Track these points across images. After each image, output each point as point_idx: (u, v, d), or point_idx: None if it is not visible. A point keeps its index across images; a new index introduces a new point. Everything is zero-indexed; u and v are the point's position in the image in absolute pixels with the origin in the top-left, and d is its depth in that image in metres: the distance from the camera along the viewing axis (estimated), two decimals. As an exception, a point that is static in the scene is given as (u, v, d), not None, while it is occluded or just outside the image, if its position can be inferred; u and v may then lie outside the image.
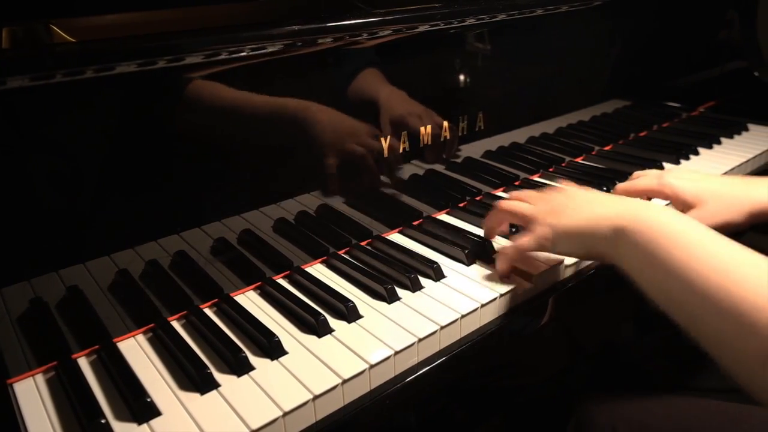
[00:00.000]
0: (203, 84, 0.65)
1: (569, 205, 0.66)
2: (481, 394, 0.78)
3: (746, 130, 1.27)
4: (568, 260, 0.74)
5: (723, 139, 1.20)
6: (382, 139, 0.82)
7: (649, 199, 0.88)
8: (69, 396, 0.56)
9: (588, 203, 0.65)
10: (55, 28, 0.60)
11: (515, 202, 0.73)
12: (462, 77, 0.91)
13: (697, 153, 1.14)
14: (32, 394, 0.57)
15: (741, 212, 0.74)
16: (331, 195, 0.80)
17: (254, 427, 0.51)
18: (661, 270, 0.53)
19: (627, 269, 0.58)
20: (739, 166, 1.08)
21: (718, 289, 0.47)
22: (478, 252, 0.78)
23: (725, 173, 1.05)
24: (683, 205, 0.77)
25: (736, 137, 1.23)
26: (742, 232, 0.76)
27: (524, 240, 0.68)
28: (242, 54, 0.66)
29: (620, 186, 0.83)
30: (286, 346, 0.61)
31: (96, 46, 0.57)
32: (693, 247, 0.51)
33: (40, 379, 0.59)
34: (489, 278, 0.72)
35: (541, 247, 0.67)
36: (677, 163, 1.10)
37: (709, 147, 1.17)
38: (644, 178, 0.83)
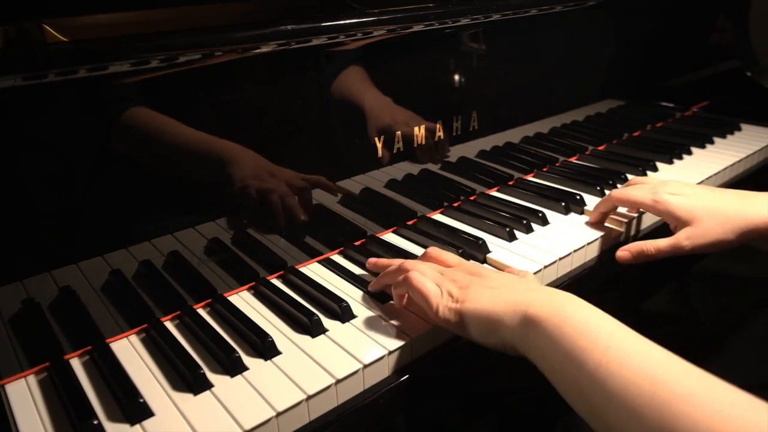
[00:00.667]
0: (196, 84, 0.65)
1: (482, 286, 0.60)
2: (473, 395, 0.78)
3: (739, 129, 1.27)
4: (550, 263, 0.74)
5: (716, 139, 1.21)
6: (376, 139, 0.82)
7: (641, 213, 0.88)
8: (61, 397, 0.56)
9: (503, 287, 0.59)
10: (47, 27, 0.60)
11: (416, 275, 0.62)
12: (456, 77, 0.92)
13: (690, 153, 1.15)
14: (24, 396, 0.57)
15: (734, 230, 0.74)
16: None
17: (247, 427, 0.51)
18: (577, 371, 0.47)
19: (538, 363, 0.52)
20: (731, 165, 1.08)
21: (645, 408, 0.42)
22: (470, 252, 0.78)
23: (718, 173, 1.05)
24: (676, 222, 0.77)
25: (729, 137, 1.23)
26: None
27: (425, 299, 0.60)
28: (235, 53, 0.66)
29: (615, 193, 0.83)
30: (279, 346, 0.61)
31: (89, 46, 0.57)
32: (616, 349, 0.46)
33: (32, 380, 0.59)
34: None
35: (437, 317, 0.60)
36: (670, 162, 1.11)
37: (702, 147, 1.17)
38: (639, 189, 0.82)
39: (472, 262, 0.69)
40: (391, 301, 0.68)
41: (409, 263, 0.66)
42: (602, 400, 0.45)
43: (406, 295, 0.64)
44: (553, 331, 0.50)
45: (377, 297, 0.69)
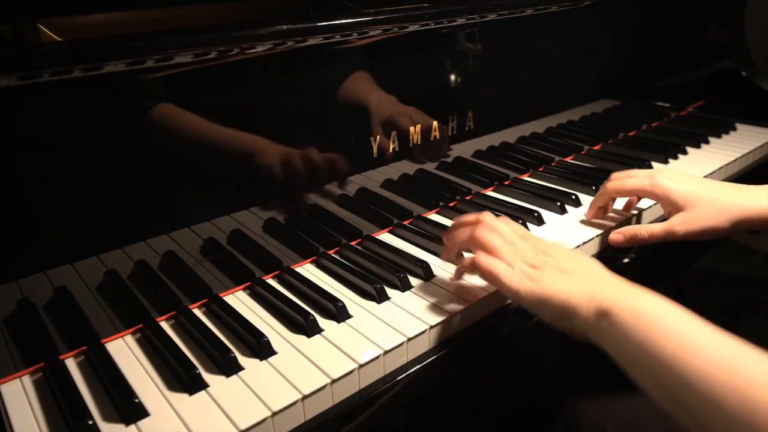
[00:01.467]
0: (191, 84, 0.65)
1: (554, 269, 0.60)
2: (471, 394, 0.78)
3: (734, 129, 1.28)
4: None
5: (711, 139, 1.21)
6: (371, 139, 0.82)
7: (639, 198, 0.89)
8: (56, 397, 0.56)
9: (576, 274, 0.59)
10: (42, 27, 0.60)
11: (492, 234, 0.65)
12: (452, 77, 0.92)
13: (685, 152, 1.15)
14: (19, 396, 0.57)
15: (728, 219, 0.74)
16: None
17: (243, 427, 0.51)
18: (653, 363, 0.49)
19: (612, 354, 0.54)
20: (727, 165, 1.09)
21: (726, 389, 0.43)
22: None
23: (713, 172, 1.06)
24: (672, 207, 0.78)
25: (724, 137, 1.24)
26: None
27: (502, 269, 0.61)
28: (232, 53, 0.66)
29: (610, 185, 0.83)
30: (275, 346, 0.61)
31: (83, 46, 0.57)
32: (691, 340, 0.48)
33: (27, 380, 0.59)
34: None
35: (510, 290, 0.61)
36: (666, 162, 1.11)
37: (698, 146, 1.18)
38: (635, 177, 0.83)
39: (537, 236, 0.68)
40: (389, 299, 0.68)
41: (485, 219, 0.67)
42: (679, 386, 0.46)
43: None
44: (628, 323, 0.51)
45: (373, 296, 0.69)
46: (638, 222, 0.89)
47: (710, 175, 1.05)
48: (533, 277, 0.60)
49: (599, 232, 0.84)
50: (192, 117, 0.66)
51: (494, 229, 0.66)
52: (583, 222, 0.87)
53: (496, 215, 0.69)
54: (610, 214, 0.87)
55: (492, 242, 0.64)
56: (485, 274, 0.63)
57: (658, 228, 0.77)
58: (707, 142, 1.20)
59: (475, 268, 0.64)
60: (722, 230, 0.75)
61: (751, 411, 0.42)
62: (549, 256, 0.63)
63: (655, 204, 0.90)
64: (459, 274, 0.72)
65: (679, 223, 0.76)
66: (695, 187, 0.77)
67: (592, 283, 0.57)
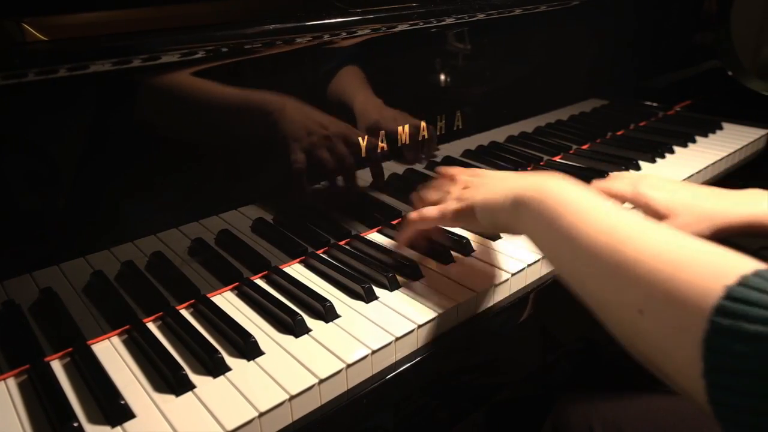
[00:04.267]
0: (179, 84, 0.65)
1: (484, 183, 0.70)
2: (460, 393, 0.79)
3: (721, 128, 1.29)
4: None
5: (698, 138, 1.22)
6: (360, 139, 0.82)
7: (623, 203, 0.89)
8: (41, 399, 0.56)
9: (502, 181, 0.68)
10: (27, 26, 0.59)
11: (430, 206, 0.74)
12: (441, 76, 0.92)
13: (672, 151, 1.16)
14: (3, 398, 0.56)
15: (709, 226, 0.75)
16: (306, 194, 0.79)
17: (230, 428, 0.51)
18: (555, 235, 0.54)
19: (530, 238, 0.61)
20: (713, 164, 1.10)
21: (603, 248, 0.48)
22: (456, 251, 0.78)
23: (700, 171, 1.07)
24: (655, 215, 0.78)
25: (711, 136, 1.25)
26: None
27: (429, 210, 0.72)
28: (219, 54, 0.65)
29: (596, 186, 0.84)
30: (262, 346, 0.61)
31: (68, 45, 0.57)
32: (585, 211, 0.53)
33: (11, 382, 0.58)
34: (467, 277, 0.73)
35: (444, 219, 0.71)
36: (653, 161, 1.12)
37: (685, 146, 1.19)
38: (620, 182, 0.83)
39: (473, 169, 0.78)
40: (377, 299, 0.68)
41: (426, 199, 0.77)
42: (573, 254, 0.51)
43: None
44: (538, 206, 0.57)
45: (361, 296, 0.69)
46: None
47: (697, 174, 1.06)
48: (462, 197, 0.70)
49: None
50: (179, 117, 0.66)
51: (430, 198, 0.76)
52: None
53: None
54: None
55: (431, 208, 0.73)
56: (417, 219, 0.74)
57: None
58: (694, 141, 1.21)
59: (410, 222, 0.75)
60: (705, 237, 0.75)
61: (617, 262, 0.46)
62: (477, 177, 0.73)
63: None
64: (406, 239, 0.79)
65: None
66: (678, 195, 0.77)
67: (510, 181, 0.65)
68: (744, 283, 0.37)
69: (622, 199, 0.82)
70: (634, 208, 0.80)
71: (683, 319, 0.39)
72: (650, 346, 0.43)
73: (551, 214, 0.55)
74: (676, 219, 0.76)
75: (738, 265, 0.39)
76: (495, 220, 0.66)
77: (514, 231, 0.64)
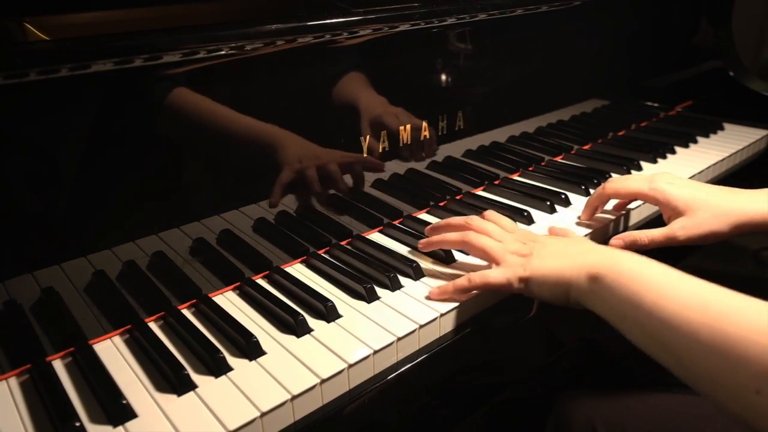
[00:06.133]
0: (181, 83, 0.65)
1: (543, 252, 0.66)
2: (462, 392, 0.78)
3: (722, 129, 1.29)
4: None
5: (699, 138, 1.22)
6: (361, 139, 0.82)
7: (628, 211, 0.89)
8: (43, 399, 0.55)
9: (563, 251, 0.65)
10: (29, 26, 0.59)
11: (482, 237, 0.71)
12: (442, 76, 0.92)
13: (674, 152, 1.16)
14: (5, 398, 0.56)
15: (728, 223, 0.75)
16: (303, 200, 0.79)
17: (231, 427, 0.51)
18: (638, 313, 0.54)
19: (603, 314, 0.59)
20: (715, 164, 1.09)
21: (700, 326, 0.48)
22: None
23: (702, 171, 1.06)
24: (672, 211, 0.78)
25: (713, 136, 1.25)
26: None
27: (494, 275, 0.66)
28: (220, 53, 0.65)
29: (609, 187, 0.83)
30: (264, 346, 0.61)
31: (70, 45, 0.57)
32: (664, 286, 0.53)
33: (13, 382, 0.58)
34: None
35: (509, 286, 0.66)
36: (654, 162, 1.11)
37: (686, 146, 1.18)
38: (634, 180, 0.83)
39: (524, 230, 0.76)
40: (379, 299, 0.68)
41: (473, 224, 0.73)
42: (660, 330, 0.52)
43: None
44: (613, 282, 0.57)
45: (363, 296, 0.69)
46: (626, 221, 0.89)
47: (699, 174, 1.06)
48: (525, 266, 0.65)
49: (587, 231, 0.84)
50: (182, 117, 0.66)
51: (483, 230, 0.71)
52: (572, 221, 0.88)
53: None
54: (599, 215, 0.88)
55: (482, 244, 0.70)
56: (481, 285, 0.67)
57: (659, 233, 0.77)
58: (696, 142, 1.21)
59: (471, 283, 0.67)
60: (723, 234, 0.75)
61: (720, 341, 0.47)
62: (537, 243, 0.69)
63: (641, 204, 0.90)
64: (436, 243, 0.76)
65: (680, 228, 0.76)
66: (695, 192, 0.78)
67: (580, 256, 0.63)
68: None
69: (639, 196, 0.82)
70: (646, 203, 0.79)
71: None
72: None
73: (629, 291, 0.55)
74: (694, 215, 0.76)
75: None
76: (563, 296, 0.63)
77: (581, 306, 0.62)
